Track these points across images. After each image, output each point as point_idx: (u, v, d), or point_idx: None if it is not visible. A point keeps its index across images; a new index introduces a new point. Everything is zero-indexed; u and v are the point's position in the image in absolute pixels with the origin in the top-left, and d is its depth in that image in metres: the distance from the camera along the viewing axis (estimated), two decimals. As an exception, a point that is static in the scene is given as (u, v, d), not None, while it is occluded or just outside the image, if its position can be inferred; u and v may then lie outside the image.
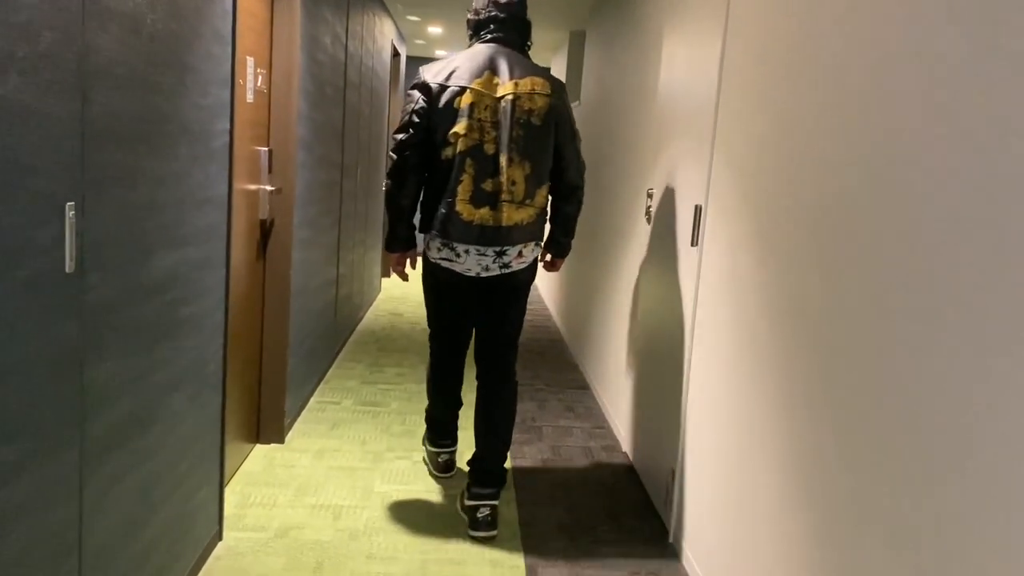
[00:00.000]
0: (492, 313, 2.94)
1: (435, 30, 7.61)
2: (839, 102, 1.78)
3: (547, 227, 2.99)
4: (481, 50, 2.83)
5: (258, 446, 3.48)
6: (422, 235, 2.89)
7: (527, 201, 2.77)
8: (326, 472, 3.26)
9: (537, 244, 2.89)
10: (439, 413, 3.27)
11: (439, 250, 2.83)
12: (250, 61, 2.99)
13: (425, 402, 3.50)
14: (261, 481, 3.13)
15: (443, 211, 2.76)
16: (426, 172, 2.84)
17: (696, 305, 2.73)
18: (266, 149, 3.24)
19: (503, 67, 2.79)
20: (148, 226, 1.93)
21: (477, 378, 3.02)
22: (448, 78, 2.77)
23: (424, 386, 4.31)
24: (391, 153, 2.84)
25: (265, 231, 3.36)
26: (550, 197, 2.95)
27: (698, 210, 2.74)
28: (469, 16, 2.97)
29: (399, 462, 3.42)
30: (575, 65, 6.93)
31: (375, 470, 3.32)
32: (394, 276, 8.16)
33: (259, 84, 3.14)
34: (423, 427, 3.85)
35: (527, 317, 6.52)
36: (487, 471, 2.90)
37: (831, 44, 1.84)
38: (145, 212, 1.91)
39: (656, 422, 3.15)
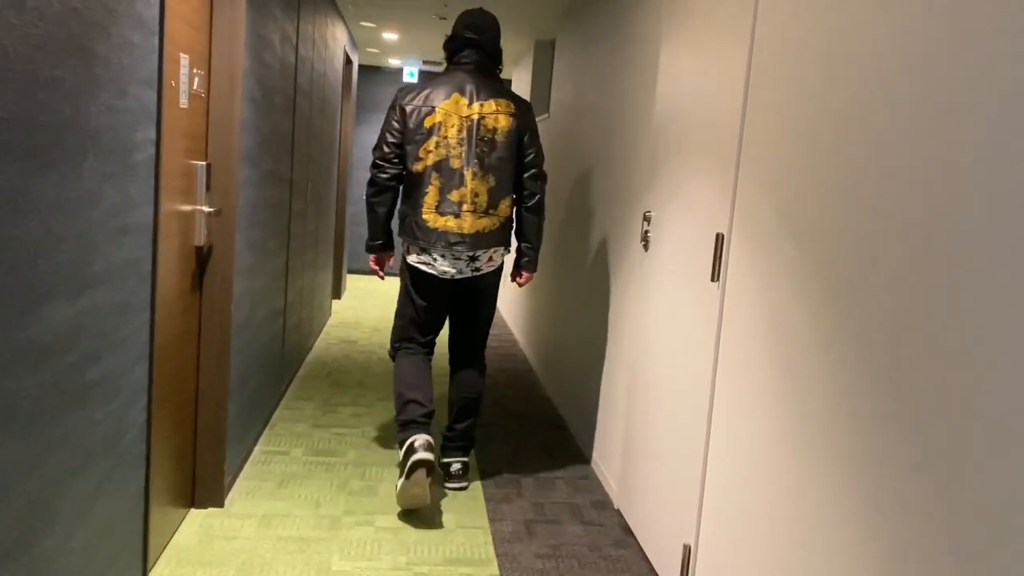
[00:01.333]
0: (467, 310, 3.32)
1: (390, 36, 7.15)
2: (894, 121, 1.38)
3: (514, 236, 3.30)
4: (453, 74, 3.18)
5: (193, 512, 2.96)
6: (400, 239, 3.23)
7: (490, 211, 3.13)
8: (273, 545, 2.76)
9: (506, 249, 3.24)
10: (419, 391, 3.19)
11: (417, 254, 3.18)
12: (184, 59, 2.50)
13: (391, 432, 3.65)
14: (195, 559, 2.61)
15: (413, 219, 3.13)
16: (401, 184, 3.21)
17: (718, 347, 2.32)
18: (203, 163, 2.74)
19: (470, 89, 3.13)
20: (40, 267, 1.44)
21: (451, 363, 3.41)
22: (420, 100, 3.12)
23: (392, 404, 3.85)
24: (370, 167, 3.21)
25: (202, 260, 2.86)
26: (514, 208, 3.27)
27: (720, 239, 2.34)
28: (446, 40, 3.28)
29: (360, 530, 2.93)
30: (542, 76, 6.54)
31: (332, 541, 2.83)
32: (345, 298, 7.71)
33: (195, 87, 2.65)
34: (385, 480, 3.38)
35: (493, 344, 6.08)
36: (460, 436, 3.37)
37: (880, 55, 1.45)
38: (35, 249, 1.42)
39: (662, 480, 2.73)
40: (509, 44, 6.94)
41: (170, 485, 2.66)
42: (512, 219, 3.25)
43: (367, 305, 7.51)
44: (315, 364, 5.20)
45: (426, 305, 3.27)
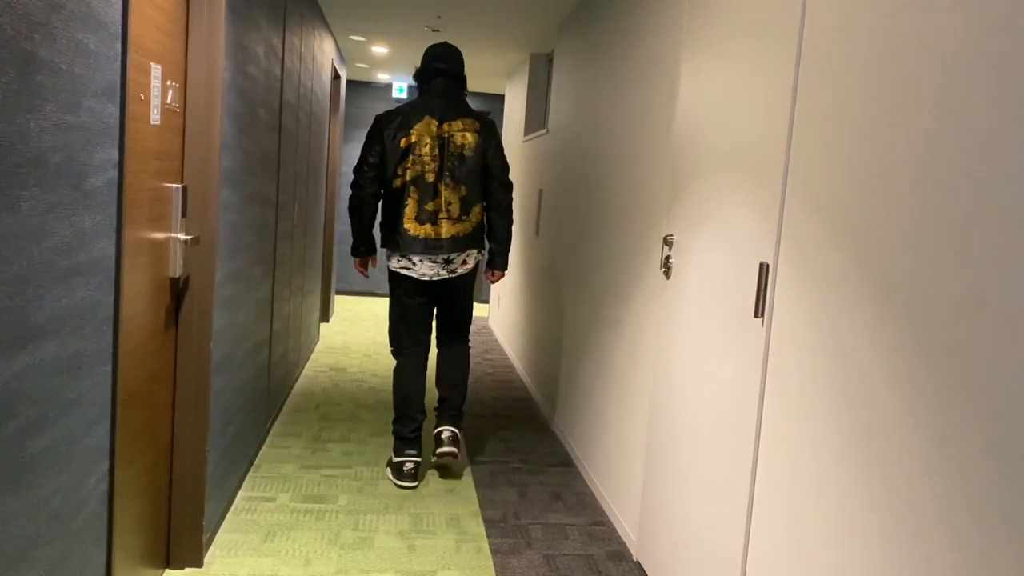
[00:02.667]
0: (449, 306, 3.74)
1: (380, 50, 6.89)
2: (974, 134, 1.12)
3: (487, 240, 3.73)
4: (424, 99, 3.60)
5: (167, 573, 2.65)
6: (384, 249, 3.62)
7: (463, 217, 3.55)
8: (258, 613, 2.45)
9: (479, 252, 3.66)
10: (409, 390, 3.65)
11: (398, 260, 3.58)
12: (156, 70, 2.22)
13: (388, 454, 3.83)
14: (169, 633, 2.30)
15: (396, 229, 3.54)
16: (381, 198, 3.62)
17: (764, 391, 2.04)
18: (179, 186, 2.45)
19: (440, 112, 3.54)
20: (-41, 323, 1.15)
21: (438, 346, 3.83)
22: (396, 125, 3.51)
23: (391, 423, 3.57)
24: (352, 185, 3.61)
25: (177, 293, 2.56)
26: (485, 213, 3.69)
27: (764, 269, 2.07)
28: (416, 71, 3.71)
29: (355, 592, 2.63)
30: (539, 90, 6.28)
31: (324, 606, 2.52)
32: (334, 321, 7.42)
33: (169, 101, 2.37)
34: (380, 531, 3.08)
35: (488, 370, 5.80)
36: (450, 407, 3.75)
37: (960, 66, 1.19)
38: (-50, 302, 1.12)
39: (694, 532, 2.44)
40: (503, 58, 6.70)
41: (141, 546, 2.35)
42: (483, 223, 3.67)
43: (356, 328, 7.20)
44: (303, 396, 4.89)
45: (411, 304, 3.67)
